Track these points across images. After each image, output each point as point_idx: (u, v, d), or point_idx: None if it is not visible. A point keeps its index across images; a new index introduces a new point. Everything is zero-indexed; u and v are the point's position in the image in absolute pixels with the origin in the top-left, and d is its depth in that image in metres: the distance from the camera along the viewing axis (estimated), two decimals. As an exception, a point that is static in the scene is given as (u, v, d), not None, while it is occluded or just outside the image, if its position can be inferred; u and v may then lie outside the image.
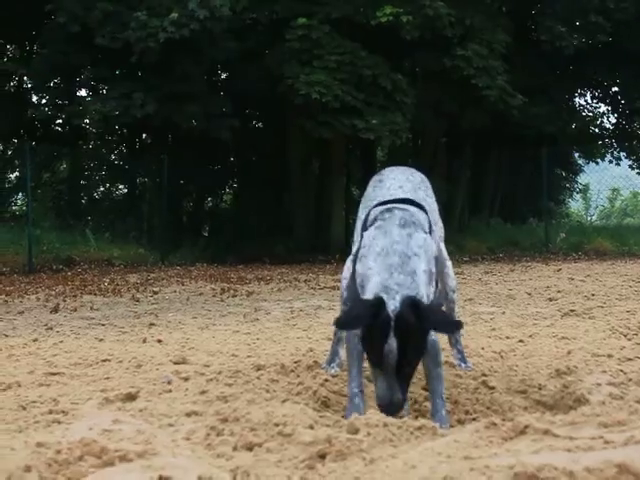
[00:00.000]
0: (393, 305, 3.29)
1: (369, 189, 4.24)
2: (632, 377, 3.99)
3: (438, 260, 3.80)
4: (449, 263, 4.47)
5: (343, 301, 4.11)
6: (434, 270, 3.60)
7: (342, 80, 19.70)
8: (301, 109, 20.14)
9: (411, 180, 4.20)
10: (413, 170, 4.41)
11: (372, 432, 2.84)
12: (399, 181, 4.13)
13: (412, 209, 3.78)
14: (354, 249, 3.99)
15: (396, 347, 3.25)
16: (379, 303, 3.31)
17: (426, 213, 3.84)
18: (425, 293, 3.42)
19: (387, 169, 4.43)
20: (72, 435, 2.93)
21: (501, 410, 3.66)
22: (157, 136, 24.73)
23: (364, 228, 3.87)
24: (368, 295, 3.40)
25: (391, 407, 3.28)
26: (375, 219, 3.78)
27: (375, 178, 4.33)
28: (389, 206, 3.79)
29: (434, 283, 3.63)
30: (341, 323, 3.43)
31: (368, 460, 2.57)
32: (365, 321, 3.33)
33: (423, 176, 4.39)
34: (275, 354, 5.13)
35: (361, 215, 4.21)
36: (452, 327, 3.50)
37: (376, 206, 3.88)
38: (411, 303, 3.29)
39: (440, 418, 3.45)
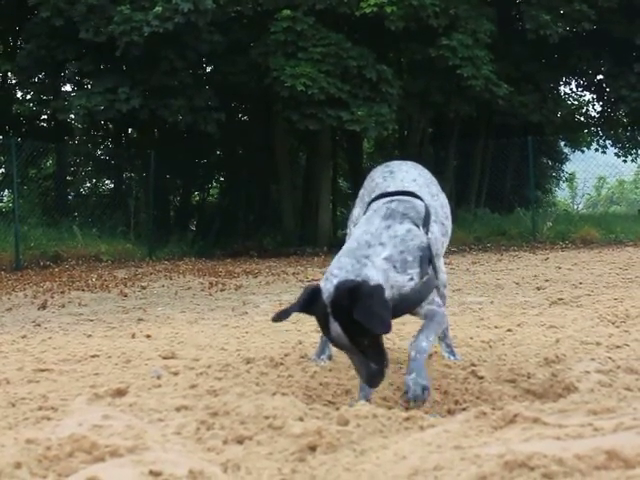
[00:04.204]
0: (327, 291, 3.29)
1: (378, 179, 4.16)
2: (620, 364, 4.00)
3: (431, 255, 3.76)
4: (442, 259, 4.48)
5: None
6: (411, 259, 3.52)
7: (327, 72, 19.70)
8: (287, 101, 20.12)
9: (423, 175, 4.19)
10: (421, 166, 4.38)
11: (362, 423, 2.85)
12: (412, 175, 4.11)
13: (413, 201, 3.77)
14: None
15: (341, 330, 3.25)
16: (312, 292, 3.34)
17: (427, 208, 3.79)
18: (378, 278, 3.35)
19: (395, 162, 4.37)
20: (62, 431, 2.92)
21: (491, 399, 3.66)
22: (143, 130, 24.65)
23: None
24: None
25: (372, 379, 3.33)
26: (371, 209, 3.80)
27: (383, 169, 4.26)
28: (391, 198, 3.79)
29: (417, 264, 3.54)
30: (274, 317, 3.44)
31: (358, 451, 2.58)
32: (291, 312, 3.38)
33: (429, 172, 4.37)
34: (264, 347, 5.13)
35: (355, 210, 4.26)
36: (379, 325, 3.23)
37: (379, 197, 3.87)
38: (346, 286, 3.26)
39: (417, 346, 3.46)
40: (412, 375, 3.38)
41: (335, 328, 3.27)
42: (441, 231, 3.93)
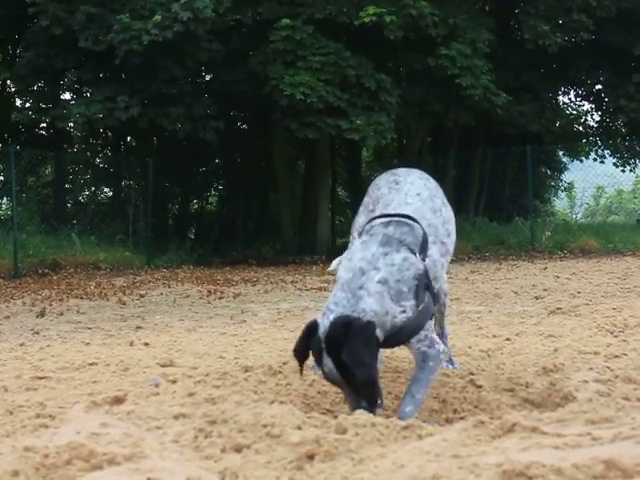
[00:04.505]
0: (323, 327, 3.33)
1: (383, 189, 4.14)
2: (619, 374, 3.99)
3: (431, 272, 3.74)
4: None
5: None
6: (405, 290, 3.48)
7: (326, 81, 19.72)
8: (286, 110, 20.13)
9: (428, 187, 4.14)
10: (427, 175, 4.34)
11: (360, 432, 2.84)
12: (417, 187, 4.07)
13: (411, 225, 3.72)
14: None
15: (333, 366, 3.29)
16: (311, 326, 3.40)
17: (424, 234, 3.73)
18: (373, 308, 3.36)
19: (402, 170, 4.33)
20: (60, 439, 2.92)
21: (489, 408, 3.66)
22: (142, 139, 24.68)
23: (360, 234, 3.89)
24: None
25: None
26: (370, 229, 3.77)
27: (389, 178, 4.24)
28: (390, 219, 3.76)
29: (412, 295, 3.50)
30: (295, 354, 3.51)
31: (357, 460, 2.57)
32: (299, 348, 3.46)
33: (435, 182, 4.33)
34: (262, 355, 5.12)
35: (359, 218, 4.25)
36: (362, 374, 3.24)
37: (378, 217, 3.84)
38: (341, 322, 3.30)
39: (401, 413, 3.42)
40: None
41: (328, 363, 3.30)
42: (440, 251, 3.85)
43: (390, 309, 3.43)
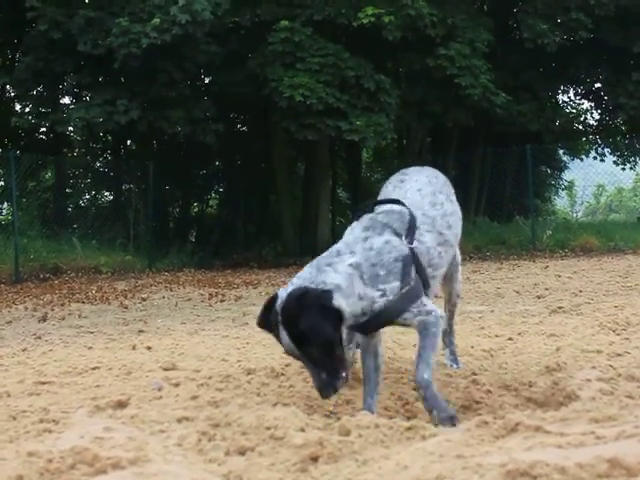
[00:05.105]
0: (281, 299, 3.31)
1: (389, 187, 4.17)
2: (621, 372, 3.99)
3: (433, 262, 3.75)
4: (459, 268, 4.48)
5: None
6: (383, 273, 3.46)
7: (325, 82, 19.73)
8: (285, 112, 20.14)
9: (433, 184, 4.14)
10: (437, 172, 4.34)
11: (363, 434, 2.84)
12: (420, 184, 4.08)
13: (401, 211, 3.74)
14: None
15: (288, 337, 3.26)
16: (271, 300, 3.37)
17: (411, 217, 3.73)
18: (336, 282, 3.33)
19: (412, 169, 4.35)
20: (63, 444, 2.92)
21: (492, 408, 3.66)
22: (142, 142, 24.68)
23: None
24: None
25: (321, 390, 3.31)
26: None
27: (397, 177, 4.26)
28: (381, 208, 3.79)
29: (393, 278, 3.47)
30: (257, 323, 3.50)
31: (360, 462, 2.58)
32: (260, 322, 3.43)
33: (446, 179, 4.34)
34: (265, 358, 5.12)
35: None
36: (326, 334, 3.24)
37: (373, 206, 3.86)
38: (297, 293, 3.28)
39: (420, 380, 3.40)
40: (434, 413, 3.32)
41: (283, 334, 3.28)
42: (437, 240, 3.83)
43: (365, 294, 3.40)
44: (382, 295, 3.45)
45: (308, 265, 3.46)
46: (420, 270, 3.62)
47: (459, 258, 4.45)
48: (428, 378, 3.40)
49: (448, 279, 4.31)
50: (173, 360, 5.22)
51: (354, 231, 3.62)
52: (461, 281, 4.56)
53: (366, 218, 3.68)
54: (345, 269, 3.39)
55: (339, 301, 3.30)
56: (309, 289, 3.29)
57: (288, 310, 3.25)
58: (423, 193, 3.99)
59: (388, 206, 3.79)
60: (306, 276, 3.37)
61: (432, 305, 3.64)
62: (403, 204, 3.78)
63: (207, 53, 20.26)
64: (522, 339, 5.58)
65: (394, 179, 4.27)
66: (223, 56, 20.81)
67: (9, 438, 3.25)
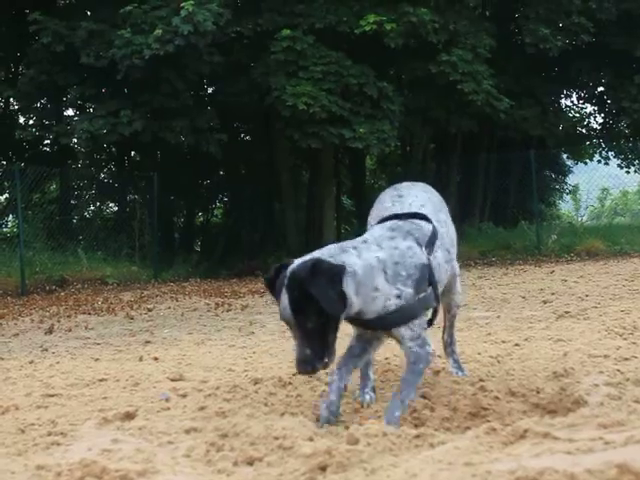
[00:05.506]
0: (294, 264, 3.33)
1: (386, 203, 4.13)
2: (629, 377, 3.98)
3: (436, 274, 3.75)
4: (457, 279, 4.48)
5: None
6: (404, 274, 3.48)
7: (328, 90, 19.75)
8: (289, 120, 20.15)
9: (432, 201, 4.17)
10: (430, 188, 4.36)
11: (372, 442, 2.84)
12: (421, 199, 4.08)
13: (421, 223, 3.76)
14: None
15: (288, 302, 3.25)
16: (280, 265, 3.39)
17: (434, 229, 3.77)
18: (352, 262, 3.35)
19: (405, 185, 4.34)
20: (72, 456, 2.92)
21: (500, 415, 3.65)
22: (146, 153, 24.71)
23: None
24: None
25: (300, 364, 3.29)
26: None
27: (392, 193, 4.23)
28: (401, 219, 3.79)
29: (410, 283, 3.49)
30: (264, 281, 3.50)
31: (369, 470, 2.57)
32: (268, 283, 3.43)
33: (440, 196, 4.37)
34: (272, 367, 5.12)
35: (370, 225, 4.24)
36: (329, 305, 3.23)
37: (388, 219, 3.84)
38: (311, 261, 3.29)
39: (389, 418, 3.38)
40: None
41: (284, 298, 3.27)
42: (445, 258, 3.87)
43: (383, 288, 3.42)
44: (397, 296, 3.47)
45: (330, 246, 3.47)
46: (433, 283, 3.63)
47: (457, 269, 4.44)
48: (398, 417, 3.40)
49: (447, 290, 4.30)
50: (180, 371, 5.23)
51: (379, 230, 3.64)
52: (460, 292, 4.55)
53: (389, 222, 3.71)
54: (371, 260, 3.41)
55: (348, 284, 3.31)
56: (323, 260, 3.30)
57: (296, 273, 3.26)
58: (427, 210, 3.99)
59: (409, 219, 3.79)
60: (326, 252, 3.40)
61: (429, 339, 3.66)
62: (428, 219, 3.79)
63: (210, 63, 20.28)
64: (529, 345, 5.57)
65: (389, 195, 4.24)
66: (226, 66, 20.83)
67: (18, 451, 3.25)
